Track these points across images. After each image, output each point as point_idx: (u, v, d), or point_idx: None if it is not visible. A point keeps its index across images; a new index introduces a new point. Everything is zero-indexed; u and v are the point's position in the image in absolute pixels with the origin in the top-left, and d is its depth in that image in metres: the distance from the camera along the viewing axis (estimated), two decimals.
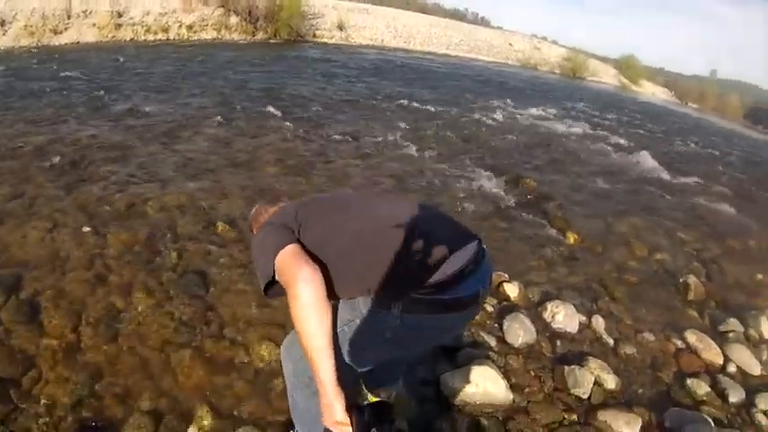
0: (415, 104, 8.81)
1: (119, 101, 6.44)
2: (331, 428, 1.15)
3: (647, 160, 7.62)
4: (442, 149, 6.26)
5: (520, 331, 2.62)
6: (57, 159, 4.13)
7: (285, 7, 16.54)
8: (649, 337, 2.91)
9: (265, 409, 1.97)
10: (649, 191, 6.23)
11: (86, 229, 3.09)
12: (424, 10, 42.25)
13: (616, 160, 7.62)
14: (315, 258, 1.22)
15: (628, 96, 22.69)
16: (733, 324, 3.23)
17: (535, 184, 5.38)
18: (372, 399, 1.74)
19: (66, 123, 5.24)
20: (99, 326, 2.28)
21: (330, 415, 1.14)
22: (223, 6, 15.74)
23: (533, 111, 10.39)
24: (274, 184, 4.31)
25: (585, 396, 2.30)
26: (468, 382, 2.15)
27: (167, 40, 13.98)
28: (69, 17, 12.28)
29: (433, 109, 8.77)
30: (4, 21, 11.08)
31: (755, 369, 2.82)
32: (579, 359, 2.52)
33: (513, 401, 2.19)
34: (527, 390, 2.29)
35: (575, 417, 2.17)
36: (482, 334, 2.59)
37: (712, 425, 2.23)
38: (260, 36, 16.36)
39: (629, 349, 2.75)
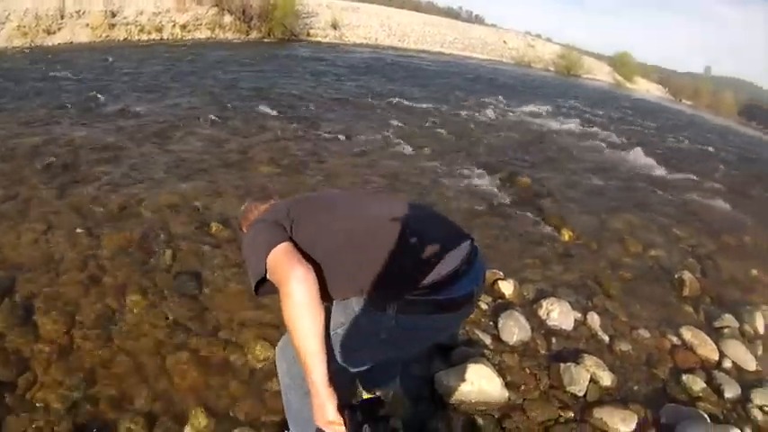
0: (407, 102, 8.81)
1: (111, 101, 6.41)
2: (323, 428, 1.14)
3: (640, 157, 7.65)
4: (435, 147, 6.26)
5: (515, 329, 2.62)
6: (50, 160, 4.11)
7: (279, 6, 16.53)
8: (645, 333, 2.91)
9: (260, 410, 1.97)
10: (643, 187, 6.26)
11: (80, 230, 3.07)
12: (417, 8, 42.25)
13: (610, 157, 7.64)
14: (307, 257, 1.20)
15: (622, 93, 22.77)
16: (728, 320, 3.25)
17: (529, 181, 5.40)
18: (366, 396, 1.74)
19: (58, 124, 5.22)
20: (93, 327, 2.27)
21: (322, 415, 1.13)
22: (217, 5, 15.70)
23: (526, 108, 10.42)
24: (267, 183, 4.29)
25: (581, 393, 2.30)
26: (463, 380, 2.15)
27: (161, 39, 13.95)
28: (63, 17, 12.22)
29: (425, 106, 8.76)
30: None
31: (751, 364, 2.83)
32: (575, 356, 2.53)
33: (509, 399, 2.19)
34: (522, 387, 2.28)
35: (570, 414, 2.17)
36: (477, 332, 2.59)
37: (708, 420, 2.24)
38: (254, 35, 16.34)
39: (624, 346, 2.75)
